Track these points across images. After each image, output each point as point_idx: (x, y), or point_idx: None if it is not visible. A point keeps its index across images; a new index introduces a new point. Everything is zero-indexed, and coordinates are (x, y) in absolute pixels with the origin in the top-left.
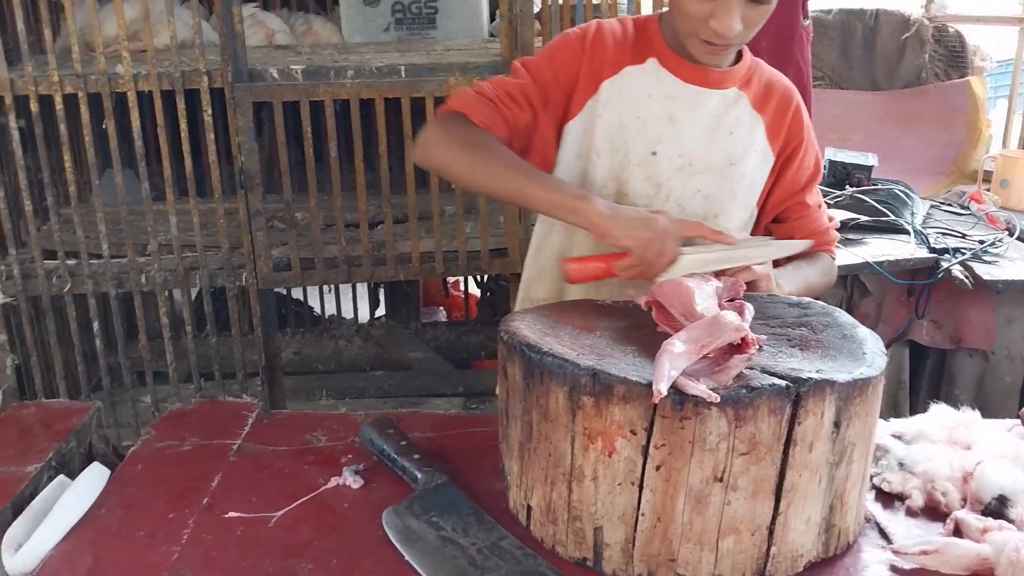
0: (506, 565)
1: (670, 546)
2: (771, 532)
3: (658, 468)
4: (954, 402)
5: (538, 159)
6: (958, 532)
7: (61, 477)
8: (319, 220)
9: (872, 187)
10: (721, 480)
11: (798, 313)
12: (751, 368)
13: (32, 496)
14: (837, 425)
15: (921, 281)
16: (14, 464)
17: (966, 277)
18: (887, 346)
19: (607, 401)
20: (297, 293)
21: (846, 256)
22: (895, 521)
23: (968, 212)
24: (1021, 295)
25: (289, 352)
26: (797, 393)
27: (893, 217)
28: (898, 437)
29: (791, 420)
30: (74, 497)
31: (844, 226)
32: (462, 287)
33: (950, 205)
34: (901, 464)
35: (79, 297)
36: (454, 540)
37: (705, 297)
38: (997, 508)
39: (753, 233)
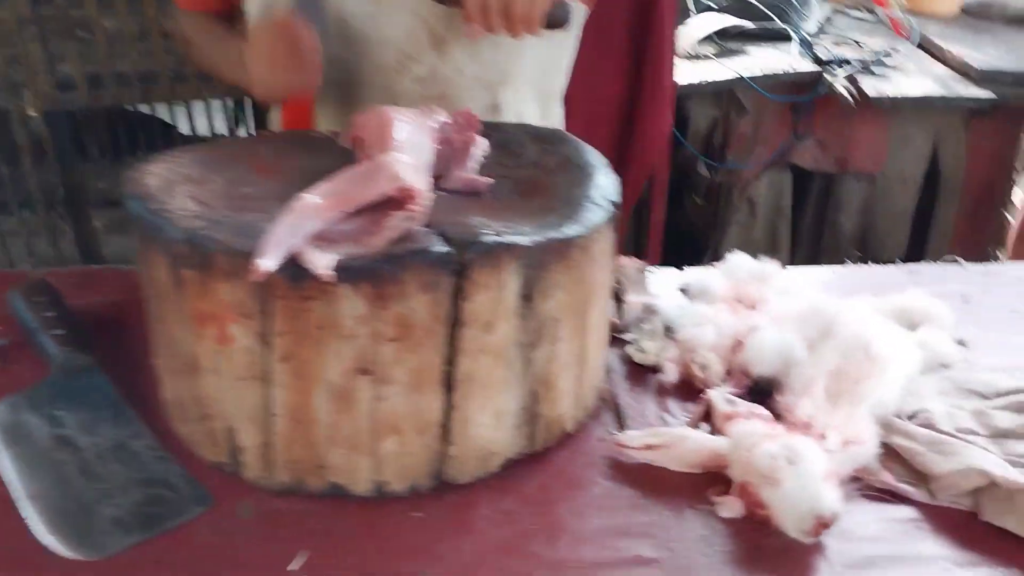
0: (125, 471)
1: (316, 451)
2: (446, 430)
3: (284, 360)
4: (838, 230)
5: None
6: (709, 416)
7: None
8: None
9: None
10: (368, 373)
11: (540, 150)
12: (431, 227)
13: None
14: (528, 299)
15: (801, 97)
16: None
17: (851, 93)
18: (764, 170)
19: (211, 277)
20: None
21: (718, 70)
22: (642, 401)
23: (875, 18)
24: (916, 112)
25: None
26: (461, 262)
27: (780, 23)
28: (685, 291)
29: (456, 295)
30: None
31: (724, 34)
32: None
33: (858, 10)
34: (668, 329)
35: None
36: (72, 440)
37: (412, 130)
38: (767, 387)
39: None
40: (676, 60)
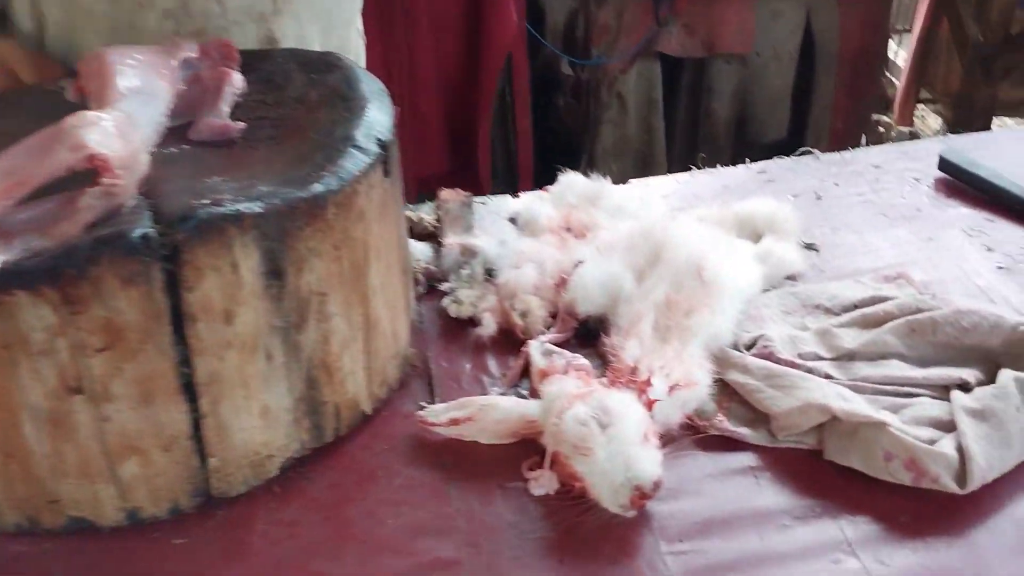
0: None
1: (43, 485)
2: (200, 441)
3: None
4: (714, 118)
5: None
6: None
7: None
8: None
9: None
10: (80, 391)
11: (306, 80)
12: (148, 198)
13: None
14: (276, 275)
15: None
16: None
17: None
18: (631, 62)
19: None
20: None
21: None
22: (458, 363)
23: None
24: None
25: None
26: (173, 243)
27: None
28: (514, 222)
29: (171, 285)
30: None
31: None
32: None
33: None
34: (490, 272)
35: None
36: None
37: (142, 75)
38: (596, 328)
39: None
40: None
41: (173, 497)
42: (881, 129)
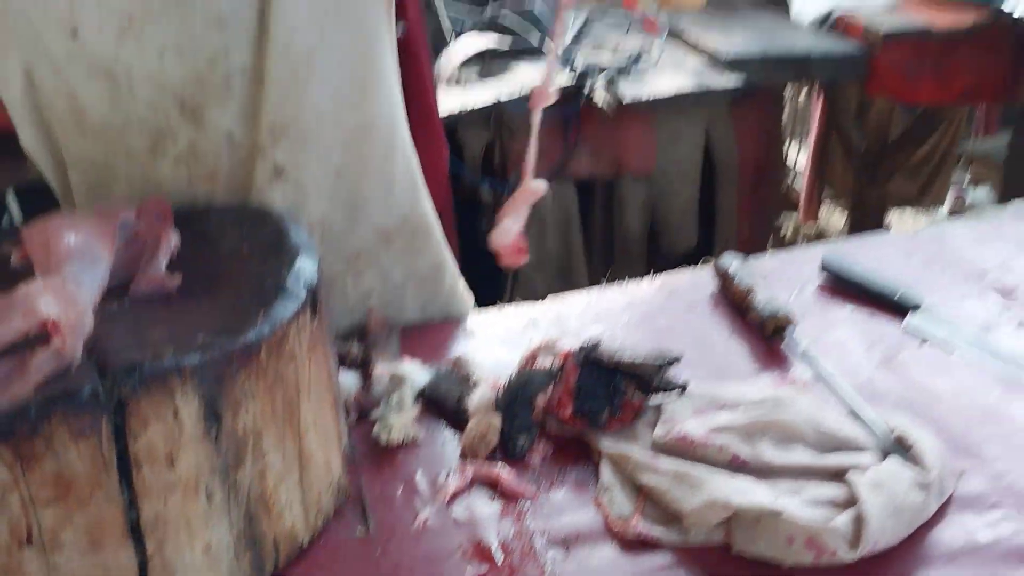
0: None
1: None
2: None
3: None
4: (628, 233)
5: None
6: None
7: None
8: None
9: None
10: (30, 543)
11: (239, 235)
12: (93, 354)
13: None
14: (215, 418)
15: (565, 110)
16: None
17: (607, 101)
18: (548, 183)
19: None
20: None
21: (483, 92)
22: (392, 487)
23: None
24: (677, 108)
25: None
26: (119, 397)
27: (532, 40)
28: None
29: (118, 435)
30: None
31: (488, 55)
32: None
33: (609, 16)
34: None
35: None
36: None
37: (83, 240)
38: None
39: None
40: (440, 88)
41: None
42: (787, 231)
